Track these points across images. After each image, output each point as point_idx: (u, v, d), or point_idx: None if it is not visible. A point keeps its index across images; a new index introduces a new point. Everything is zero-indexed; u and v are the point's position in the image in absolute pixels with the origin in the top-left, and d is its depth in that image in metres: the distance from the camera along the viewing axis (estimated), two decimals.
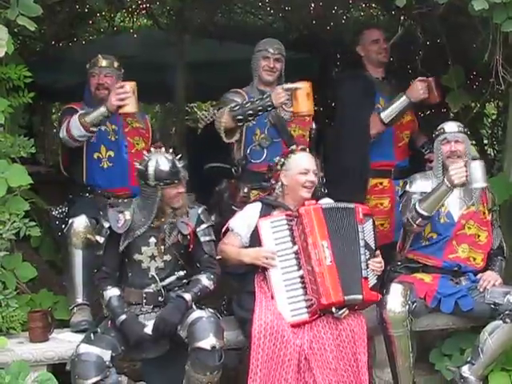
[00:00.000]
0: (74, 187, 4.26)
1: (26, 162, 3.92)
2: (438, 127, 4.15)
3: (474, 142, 6.51)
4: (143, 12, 7.35)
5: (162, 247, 3.67)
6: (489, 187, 4.16)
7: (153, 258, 3.67)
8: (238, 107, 4.17)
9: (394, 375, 3.85)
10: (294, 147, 3.95)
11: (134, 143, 4.29)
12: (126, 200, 3.78)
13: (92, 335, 3.52)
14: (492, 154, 6.28)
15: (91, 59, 4.26)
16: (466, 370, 3.82)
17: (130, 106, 3.90)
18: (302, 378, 3.53)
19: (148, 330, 3.52)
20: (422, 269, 4.03)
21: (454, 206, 4.03)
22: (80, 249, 3.97)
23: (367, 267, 3.69)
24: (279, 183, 3.88)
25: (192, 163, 4.62)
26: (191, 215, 3.73)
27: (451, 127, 4.09)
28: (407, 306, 3.73)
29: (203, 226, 3.74)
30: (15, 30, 4.02)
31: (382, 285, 3.94)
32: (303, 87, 4.07)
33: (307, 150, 3.98)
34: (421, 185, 4.10)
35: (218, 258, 3.76)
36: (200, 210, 3.78)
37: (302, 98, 4.07)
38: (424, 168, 4.47)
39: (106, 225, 3.65)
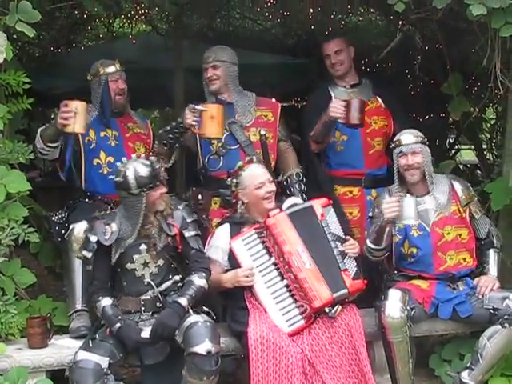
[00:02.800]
0: (73, 193, 4.26)
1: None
2: (395, 138, 4.07)
3: (473, 147, 6.55)
4: (142, 18, 7.37)
5: (154, 252, 3.67)
6: (462, 182, 4.13)
7: (146, 264, 3.67)
8: (161, 132, 4.23)
9: (393, 381, 3.84)
10: (240, 163, 3.92)
11: (134, 148, 4.29)
12: (108, 212, 3.76)
13: (90, 342, 3.53)
14: (491, 158, 6.29)
15: (101, 66, 4.23)
16: (465, 376, 3.80)
17: (73, 126, 3.75)
18: None
19: (145, 334, 3.52)
20: (418, 276, 4.00)
21: (425, 216, 3.97)
22: None
23: (343, 259, 3.70)
24: (240, 202, 3.87)
25: (190, 167, 4.62)
26: (176, 216, 3.73)
27: (407, 139, 3.98)
28: (406, 312, 3.72)
29: (187, 222, 3.74)
30: (14, 36, 4.02)
31: (380, 291, 3.96)
32: (207, 110, 4.00)
33: (254, 159, 3.96)
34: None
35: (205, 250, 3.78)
36: (181, 207, 3.78)
37: (206, 120, 3.99)
38: None
39: (94, 239, 3.63)
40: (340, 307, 3.62)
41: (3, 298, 3.69)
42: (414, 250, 3.97)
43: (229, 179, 3.93)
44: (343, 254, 3.73)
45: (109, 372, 3.42)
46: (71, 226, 4.01)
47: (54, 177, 4.34)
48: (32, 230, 3.74)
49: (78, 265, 3.99)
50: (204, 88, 4.38)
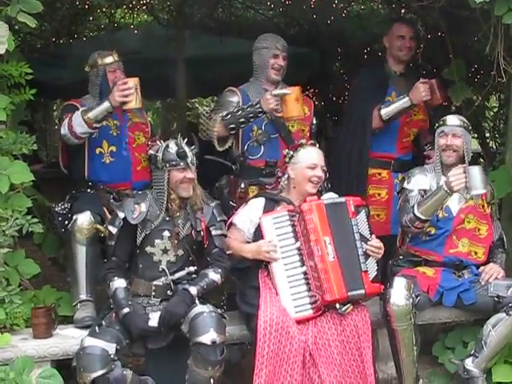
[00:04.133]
0: (76, 183, 4.26)
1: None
2: (441, 119, 4.12)
3: (475, 135, 6.53)
4: (143, 8, 7.37)
5: (175, 241, 3.69)
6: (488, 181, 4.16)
7: (165, 251, 3.69)
8: (229, 116, 4.19)
9: (397, 368, 3.85)
10: (303, 141, 3.95)
11: (134, 138, 4.30)
12: (140, 192, 3.80)
13: (97, 328, 3.54)
14: (494, 146, 6.28)
15: (98, 57, 4.24)
16: (469, 363, 3.82)
17: (134, 103, 3.90)
18: (307, 374, 3.53)
19: (152, 322, 3.54)
20: (424, 262, 4.02)
21: (453, 200, 3.98)
22: (84, 245, 3.96)
23: (365, 260, 3.69)
24: (285, 176, 3.88)
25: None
26: (206, 212, 3.77)
27: (451, 120, 4.04)
28: (411, 300, 3.72)
29: (216, 220, 3.78)
30: (16, 26, 4.02)
31: (385, 278, 3.95)
32: (292, 92, 4.09)
33: (317, 145, 3.96)
34: (419, 180, 4.07)
35: (228, 252, 3.79)
36: (213, 205, 3.83)
37: (291, 103, 4.09)
38: (423, 164, 4.42)
39: (121, 215, 3.68)
40: (351, 306, 3.60)
41: (8, 289, 3.70)
42: (433, 230, 3.99)
43: (286, 150, 3.92)
44: (366, 255, 3.69)
45: (115, 358, 3.43)
46: (74, 217, 4.01)
47: (58, 167, 4.34)
48: (36, 220, 3.75)
49: (81, 255, 3.98)
50: (257, 73, 4.40)
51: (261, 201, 3.88)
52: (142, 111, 4.51)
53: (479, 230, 4.03)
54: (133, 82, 3.88)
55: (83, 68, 4.36)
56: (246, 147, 4.31)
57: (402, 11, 5.30)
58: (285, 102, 4.10)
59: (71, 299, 4.07)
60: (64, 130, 3.98)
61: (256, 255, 3.71)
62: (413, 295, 3.74)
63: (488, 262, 4.02)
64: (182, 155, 3.64)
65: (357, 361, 3.56)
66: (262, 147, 4.28)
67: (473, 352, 3.83)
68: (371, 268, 3.70)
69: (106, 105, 3.91)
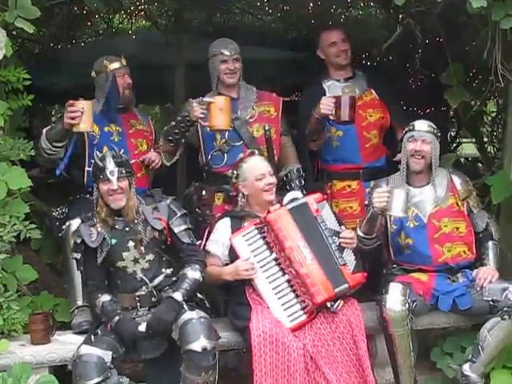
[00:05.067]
0: (74, 188, 4.26)
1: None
2: (410, 124, 4.07)
3: (474, 140, 6.55)
4: (142, 13, 7.36)
5: (142, 248, 3.67)
6: (462, 176, 4.13)
7: (136, 260, 3.66)
8: (166, 128, 4.21)
9: (395, 374, 3.85)
10: (241, 155, 3.94)
11: (137, 145, 4.30)
12: (90, 214, 3.76)
13: (92, 337, 3.53)
14: (492, 151, 6.28)
15: (107, 62, 4.22)
16: (467, 368, 3.81)
17: (81, 126, 3.81)
18: (313, 380, 3.53)
19: (142, 328, 3.53)
20: (417, 269, 4.00)
21: (421, 207, 3.99)
22: None
23: (341, 253, 3.70)
24: (240, 194, 3.88)
25: (192, 163, 4.62)
26: (162, 209, 3.73)
27: (421, 126, 4.00)
28: (407, 305, 3.72)
29: (175, 216, 3.75)
30: (14, 32, 4.03)
31: (380, 285, 3.95)
32: (216, 102, 4.01)
33: (255, 152, 3.97)
34: None
35: (198, 242, 3.79)
36: (169, 201, 3.79)
37: (215, 112, 3.99)
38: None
39: (79, 240, 3.66)
40: (342, 302, 3.62)
41: (5, 295, 3.70)
42: (410, 241, 3.98)
43: (230, 171, 3.92)
44: (341, 249, 3.71)
45: (112, 366, 3.44)
46: (67, 223, 4.02)
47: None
48: (33, 226, 3.76)
49: None
50: (214, 81, 4.34)
51: (226, 221, 3.87)
52: (146, 118, 4.51)
53: (458, 228, 4.00)
54: (81, 104, 3.80)
55: (81, 73, 4.37)
56: (209, 156, 4.27)
57: (400, 16, 5.29)
58: (209, 111, 4.01)
59: (68, 305, 4.07)
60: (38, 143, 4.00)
61: (236, 276, 3.69)
62: (409, 300, 3.74)
63: (478, 257, 4.01)
64: (100, 168, 3.61)
65: (356, 354, 3.59)
66: (226, 155, 4.23)
67: (470, 357, 3.82)
68: (349, 260, 3.72)
69: (59, 126, 3.90)
